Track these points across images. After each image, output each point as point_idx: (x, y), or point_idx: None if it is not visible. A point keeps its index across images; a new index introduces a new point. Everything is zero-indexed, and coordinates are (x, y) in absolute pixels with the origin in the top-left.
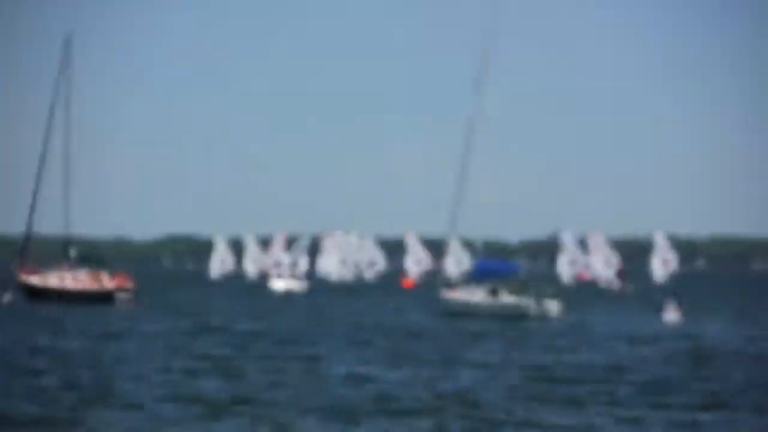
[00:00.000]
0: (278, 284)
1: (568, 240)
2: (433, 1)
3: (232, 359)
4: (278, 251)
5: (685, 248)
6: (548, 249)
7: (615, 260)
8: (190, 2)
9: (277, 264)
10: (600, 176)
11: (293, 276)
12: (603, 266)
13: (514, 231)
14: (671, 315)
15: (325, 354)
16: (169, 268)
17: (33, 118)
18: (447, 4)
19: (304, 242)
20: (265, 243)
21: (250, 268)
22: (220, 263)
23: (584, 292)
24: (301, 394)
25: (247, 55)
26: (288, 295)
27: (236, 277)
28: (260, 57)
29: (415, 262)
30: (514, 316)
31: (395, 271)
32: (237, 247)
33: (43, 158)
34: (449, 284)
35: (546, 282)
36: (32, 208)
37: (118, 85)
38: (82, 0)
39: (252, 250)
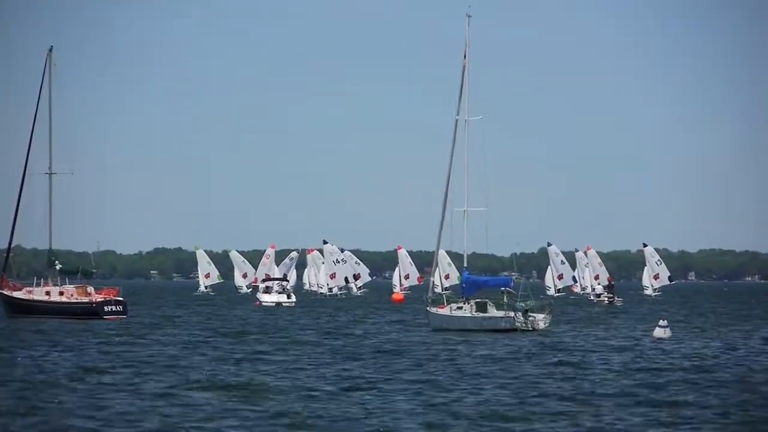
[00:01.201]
0: (267, 298)
1: (556, 253)
2: (413, 26)
3: None
4: (268, 264)
5: (678, 262)
6: (538, 263)
7: (605, 274)
8: (182, 13)
9: (267, 278)
10: (594, 191)
11: (282, 290)
12: (592, 279)
13: (505, 245)
14: (661, 330)
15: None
16: (157, 281)
17: (15, 131)
18: (427, 28)
19: (293, 256)
20: (252, 257)
21: (240, 281)
22: (204, 277)
23: (573, 305)
24: None
25: (234, 70)
26: (279, 309)
27: (226, 290)
28: (247, 73)
29: (403, 277)
30: (501, 331)
31: (382, 284)
32: (223, 261)
33: (25, 172)
34: (436, 299)
35: (534, 295)
36: (14, 222)
37: (104, 97)
38: (65, 13)
39: (240, 263)
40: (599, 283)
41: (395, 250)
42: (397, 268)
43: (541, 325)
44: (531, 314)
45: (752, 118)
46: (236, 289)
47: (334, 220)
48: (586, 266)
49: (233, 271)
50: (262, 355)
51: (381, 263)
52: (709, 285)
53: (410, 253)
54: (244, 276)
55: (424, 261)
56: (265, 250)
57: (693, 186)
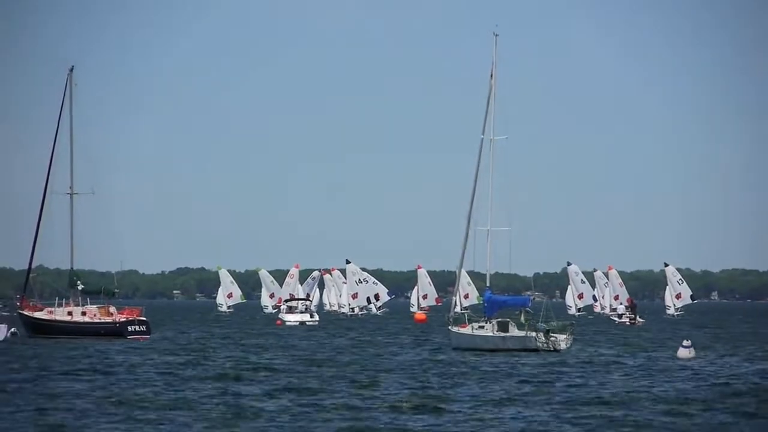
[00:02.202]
0: (290, 317)
1: (576, 273)
2: (440, 44)
3: None
4: (292, 284)
5: (701, 281)
6: (561, 282)
7: (625, 295)
8: (202, 33)
9: (291, 297)
10: (617, 210)
11: (305, 309)
12: (613, 299)
13: (528, 264)
14: (684, 350)
15: None
16: (180, 301)
17: (36, 150)
18: (454, 46)
19: (315, 275)
20: (275, 277)
21: (267, 301)
22: (225, 297)
23: (594, 325)
24: None
25: (256, 88)
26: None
27: (249, 310)
28: (268, 91)
29: (422, 296)
30: (523, 351)
31: (403, 304)
32: (247, 279)
33: (45, 192)
34: (458, 318)
35: (556, 315)
36: (35, 242)
37: (125, 116)
38: (86, 33)
39: (269, 283)
40: (620, 303)
41: (415, 270)
42: (415, 288)
43: (563, 346)
44: (553, 334)
45: None
46: (262, 308)
47: (355, 240)
48: (605, 286)
49: (257, 290)
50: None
51: (402, 283)
52: (732, 305)
53: (430, 272)
54: (271, 296)
55: (445, 281)
56: (288, 270)
57: (716, 205)
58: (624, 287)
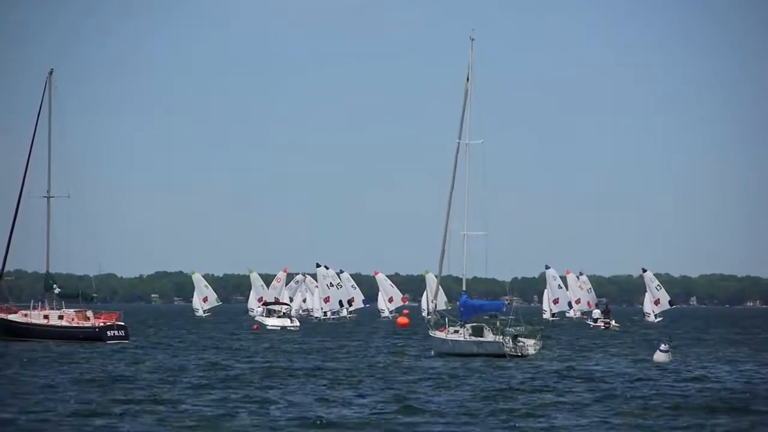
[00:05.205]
0: (271, 322)
1: (553, 277)
2: (417, 48)
3: None
4: (279, 288)
5: (680, 287)
6: (539, 287)
7: (587, 299)
8: (183, 36)
9: (276, 301)
10: (596, 215)
11: (284, 314)
12: (589, 304)
13: (507, 269)
14: (662, 354)
15: None
16: (158, 304)
17: (14, 153)
18: (430, 51)
19: (298, 279)
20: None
21: (254, 303)
22: (201, 301)
23: (569, 329)
24: None
25: (237, 91)
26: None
27: (232, 313)
28: (249, 94)
29: (387, 300)
30: (493, 356)
31: (373, 309)
32: (225, 284)
33: (20, 195)
34: (438, 323)
35: (533, 320)
36: (8, 245)
37: (104, 120)
38: (65, 36)
39: (258, 286)
40: (596, 308)
41: (373, 276)
42: (379, 293)
43: (531, 351)
44: (521, 339)
45: (756, 143)
46: (247, 311)
47: (326, 244)
48: (588, 291)
49: (236, 294)
50: None
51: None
52: (710, 310)
53: (390, 277)
54: (260, 300)
55: (408, 286)
56: (275, 274)
57: (695, 210)
58: (592, 292)
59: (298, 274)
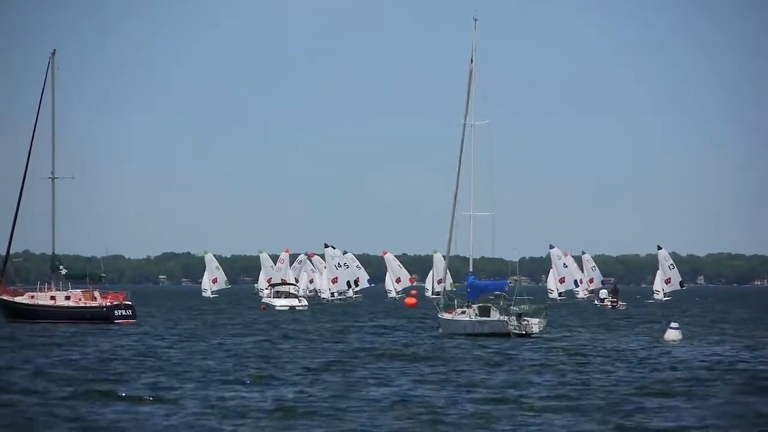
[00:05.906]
0: (279, 302)
1: (558, 256)
2: (421, 30)
3: None
4: (283, 269)
5: (687, 266)
6: (546, 266)
7: (608, 278)
8: (187, 17)
9: (283, 282)
10: (603, 195)
11: (292, 294)
12: (597, 283)
13: (513, 249)
14: (672, 332)
15: None
16: (165, 286)
17: (18, 134)
18: (435, 31)
19: (301, 259)
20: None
21: (264, 284)
22: (210, 282)
23: (575, 308)
24: None
25: (242, 74)
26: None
27: (240, 294)
28: (253, 79)
29: (395, 280)
30: (498, 335)
31: (380, 290)
32: (233, 265)
33: (25, 176)
34: (448, 304)
35: (539, 299)
36: (13, 226)
37: (109, 100)
38: (68, 17)
39: (268, 267)
40: (603, 287)
41: (381, 256)
42: (387, 273)
43: (535, 330)
44: (525, 318)
45: (763, 122)
46: (257, 291)
47: (334, 225)
48: (592, 269)
49: (243, 275)
50: None
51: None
52: (717, 289)
53: (398, 257)
54: (269, 281)
55: (416, 266)
56: (278, 255)
57: (702, 189)
58: (596, 270)
59: (300, 254)
